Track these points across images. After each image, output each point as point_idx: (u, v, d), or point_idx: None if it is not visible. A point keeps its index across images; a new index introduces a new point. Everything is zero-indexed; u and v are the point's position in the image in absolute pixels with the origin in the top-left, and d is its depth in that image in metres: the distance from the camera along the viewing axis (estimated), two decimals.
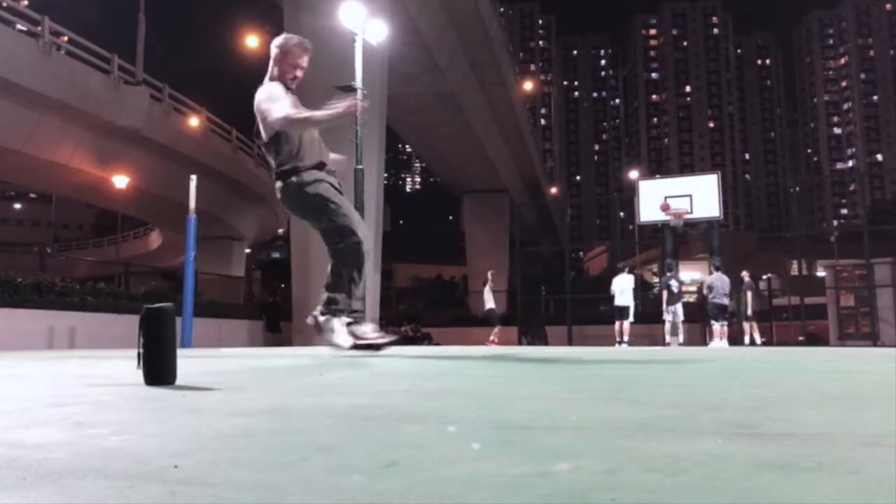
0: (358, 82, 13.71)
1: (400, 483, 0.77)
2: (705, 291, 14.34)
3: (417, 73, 24.61)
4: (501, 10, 32.43)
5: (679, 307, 14.13)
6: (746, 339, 15.00)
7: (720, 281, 14.00)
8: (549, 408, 1.54)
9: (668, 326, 14.31)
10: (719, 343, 13.55)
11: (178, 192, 19.03)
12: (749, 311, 15.17)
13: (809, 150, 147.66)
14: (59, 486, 0.78)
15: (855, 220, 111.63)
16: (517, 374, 2.77)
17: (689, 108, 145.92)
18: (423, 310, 33.22)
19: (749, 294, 15.22)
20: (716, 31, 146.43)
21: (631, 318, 14.27)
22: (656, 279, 15.52)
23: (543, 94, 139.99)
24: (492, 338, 15.73)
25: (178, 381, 2.03)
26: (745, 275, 15.61)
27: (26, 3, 26.75)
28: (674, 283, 14.33)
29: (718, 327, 13.95)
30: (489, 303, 16.10)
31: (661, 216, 15.05)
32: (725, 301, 13.96)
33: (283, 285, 38.96)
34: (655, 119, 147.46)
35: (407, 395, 1.85)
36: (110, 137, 23.11)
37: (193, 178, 10.58)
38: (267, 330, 17.61)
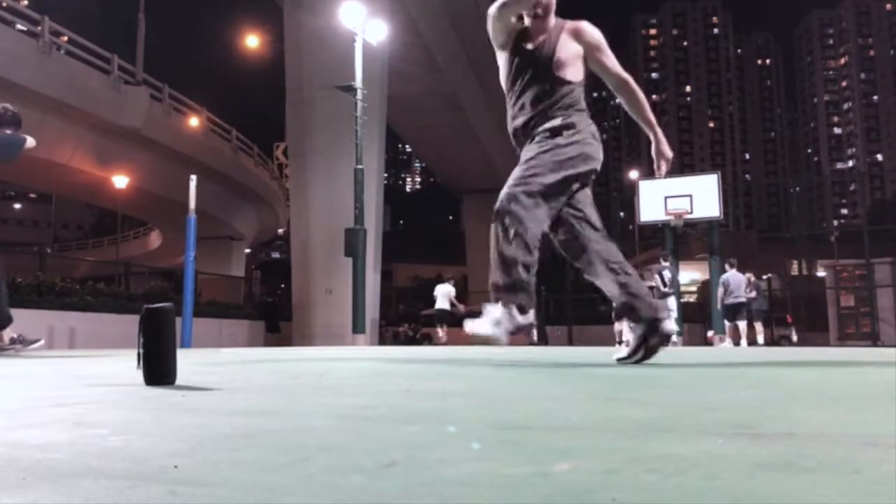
0: (358, 82, 13.73)
1: (400, 483, 0.77)
2: (720, 291, 13.98)
3: (417, 73, 24.62)
4: None
5: (672, 302, 13.30)
6: (761, 339, 14.77)
7: (735, 279, 13.77)
8: (548, 408, 1.54)
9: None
10: (740, 343, 13.37)
11: (178, 192, 19.03)
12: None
13: (809, 150, 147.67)
14: (59, 486, 0.78)
15: (855, 220, 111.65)
16: (517, 374, 2.76)
17: (689, 108, 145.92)
18: (423, 310, 33.16)
19: (755, 294, 15.09)
20: (716, 31, 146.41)
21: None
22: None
23: None
24: (441, 337, 16.40)
25: (178, 381, 2.03)
26: (751, 276, 15.47)
27: (26, 3, 26.77)
28: (666, 273, 13.53)
29: (733, 327, 13.74)
30: (444, 304, 16.56)
31: (661, 216, 15.01)
32: (742, 299, 13.72)
33: (283, 285, 38.96)
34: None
35: (407, 395, 1.85)
36: (110, 137, 23.12)
37: (193, 178, 10.57)
38: (266, 330, 17.63)
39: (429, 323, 22.44)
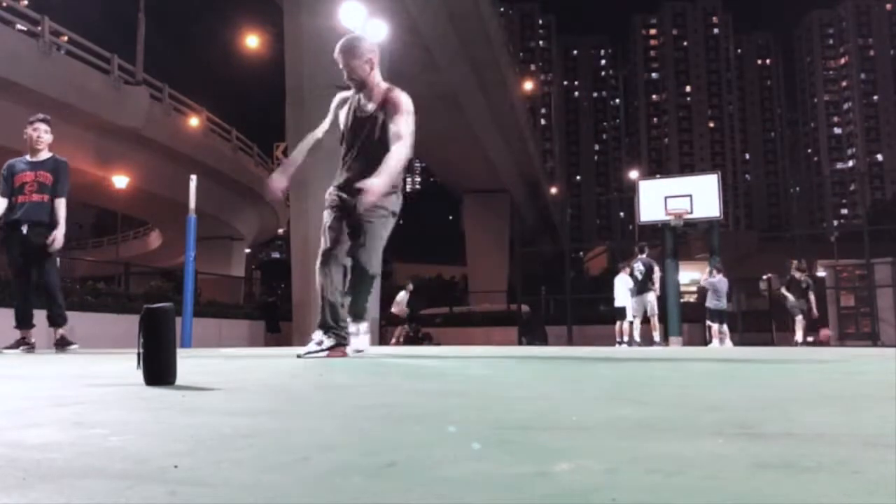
0: None
1: (400, 483, 0.77)
2: (710, 294, 14.01)
3: (417, 73, 24.57)
4: (501, 9, 32.45)
5: (650, 297, 13.16)
6: (799, 337, 14.53)
7: (723, 285, 13.86)
8: (549, 408, 1.54)
9: (637, 322, 13.24)
10: (727, 344, 13.47)
11: (178, 192, 19.04)
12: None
13: (809, 150, 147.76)
14: (59, 486, 0.78)
15: (855, 220, 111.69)
16: (517, 374, 2.76)
17: (689, 108, 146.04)
18: (423, 309, 33.13)
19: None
20: (716, 31, 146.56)
21: (629, 318, 14.18)
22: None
23: (543, 94, 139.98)
24: (394, 339, 16.69)
25: (178, 381, 2.03)
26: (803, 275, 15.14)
27: (26, 3, 26.77)
28: (637, 266, 13.15)
29: (721, 329, 13.85)
30: (395, 307, 17.07)
31: (661, 216, 15.01)
32: (724, 305, 13.86)
33: (283, 285, 38.95)
34: (655, 119, 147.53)
35: (407, 395, 1.85)
36: (110, 137, 23.10)
37: (193, 177, 10.57)
38: (266, 330, 17.63)
39: (429, 323, 22.46)
